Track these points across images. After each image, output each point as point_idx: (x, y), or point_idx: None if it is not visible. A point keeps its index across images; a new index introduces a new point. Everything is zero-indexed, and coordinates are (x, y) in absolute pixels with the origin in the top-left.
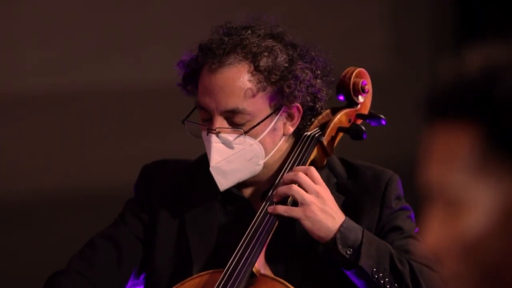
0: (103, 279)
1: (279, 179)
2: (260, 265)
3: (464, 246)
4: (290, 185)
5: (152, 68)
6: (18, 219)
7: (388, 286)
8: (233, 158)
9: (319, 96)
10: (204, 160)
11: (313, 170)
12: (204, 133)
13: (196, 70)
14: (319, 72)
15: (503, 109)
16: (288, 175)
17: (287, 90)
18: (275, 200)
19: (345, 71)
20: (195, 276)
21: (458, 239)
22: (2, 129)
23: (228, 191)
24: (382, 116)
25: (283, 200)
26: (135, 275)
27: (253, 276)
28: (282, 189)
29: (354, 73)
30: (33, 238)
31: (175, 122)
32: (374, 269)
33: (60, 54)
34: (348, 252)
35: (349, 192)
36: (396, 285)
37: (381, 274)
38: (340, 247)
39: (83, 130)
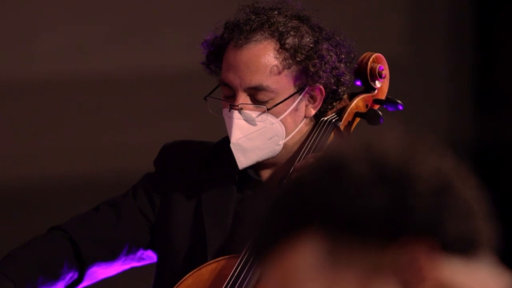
0: (92, 244)
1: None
2: None
3: None
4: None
5: (166, 55)
6: (31, 205)
7: None
8: (254, 136)
9: (342, 80)
10: (224, 143)
11: None
12: (225, 110)
13: (221, 47)
14: (343, 56)
15: (326, 204)
16: (299, 163)
17: (312, 69)
18: None
19: (362, 56)
20: (212, 261)
21: None
22: (17, 114)
23: (246, 174)
24: (399, 101)
25: None
26: (130, 249)
27: None
28: (294, 176)
29: (371, 58)
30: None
31: (189, 109)
32: None
33: (74, 40)
34: None
35: None
36: None
37: None
38: None
39: (95, 117)
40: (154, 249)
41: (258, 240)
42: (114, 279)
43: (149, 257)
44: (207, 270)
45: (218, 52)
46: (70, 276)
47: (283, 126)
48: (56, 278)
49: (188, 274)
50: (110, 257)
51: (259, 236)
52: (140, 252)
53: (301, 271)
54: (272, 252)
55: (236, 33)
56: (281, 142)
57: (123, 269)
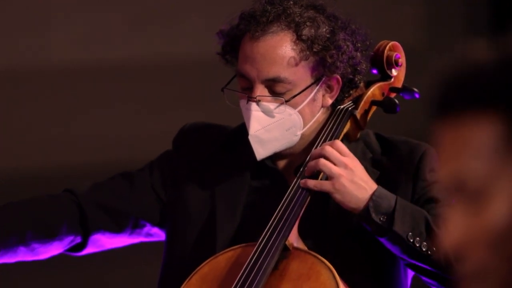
0: (98, 211)
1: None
2: (293, 239)
3: (492, 237)
4: (317, 160)
5: (182, 43)
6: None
7: (424, 249)
8: (272, 127)
9: (359, 68)
10: (242, 129)
11: (339, 142)
12: (243, 102)
13: (237, 38)
14: (359, 45)
15: None
16: (315, 150)
17: (329, 60)
18: (306, 175)
19: (379, 44)
20: (228, 249)
21: (485, 230)
22: (33, 103)
23: (263, 163)
24: (415, 90)
25: (315, 174)
26: (137, 223)
27: (286, 250)
28: (311, 164)
29: (388, 47)
30: None
31: (204, 98)
32: (410, 233)
33: (88, 29)
34: (382, 219)
35: (384, 168)
36: (434, 248)
37: (417, 238)
38: (373, 215)
39: (109, 106)
40: (161, 227)
41: (450, 98)
42: (123, 254)
43: (157, 234)
44: (224, 258)
45: (234, 42)
46: (71, 239)
47: (300, 117)
48: (50, 237)
49: (204, 262)
50: (115, 227)
51: (452, 95)
52: (147, 228)
53: (476, 144)
54: (457, 116)
55: (253, 25)
56: (299, 133)
57: (130, 242)
